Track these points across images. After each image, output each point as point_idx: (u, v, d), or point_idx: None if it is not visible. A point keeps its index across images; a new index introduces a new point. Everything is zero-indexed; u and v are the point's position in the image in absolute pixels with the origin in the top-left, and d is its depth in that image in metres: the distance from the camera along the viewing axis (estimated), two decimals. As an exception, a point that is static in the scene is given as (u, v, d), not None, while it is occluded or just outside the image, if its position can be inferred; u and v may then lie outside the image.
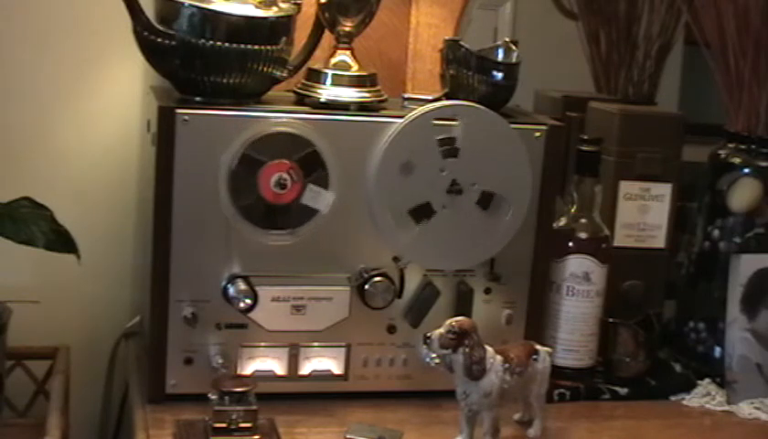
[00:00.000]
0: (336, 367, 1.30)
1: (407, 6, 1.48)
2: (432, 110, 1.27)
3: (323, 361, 1.30)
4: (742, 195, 1.46)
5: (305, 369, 1.29)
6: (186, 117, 1.21)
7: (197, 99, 1.24)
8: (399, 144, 1.26)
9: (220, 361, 1.25)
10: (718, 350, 1.47)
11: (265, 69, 1.24)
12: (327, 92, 1.29)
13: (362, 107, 1.29)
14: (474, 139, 1.27)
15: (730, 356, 1.43)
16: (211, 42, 1.21)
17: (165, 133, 1.21)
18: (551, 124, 1.34)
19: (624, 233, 1.46)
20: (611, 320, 1.42)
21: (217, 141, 1.21)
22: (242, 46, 1.21)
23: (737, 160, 1.48)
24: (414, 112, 1.27)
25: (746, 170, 1.47)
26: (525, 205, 1.31)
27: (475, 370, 1.16)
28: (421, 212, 1.28)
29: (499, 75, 1.31)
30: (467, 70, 1.31)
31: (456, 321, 1.16)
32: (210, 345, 1.26)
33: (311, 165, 1.24)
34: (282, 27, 1.25)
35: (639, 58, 1.65)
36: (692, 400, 1.41)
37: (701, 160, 1.52)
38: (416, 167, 1.26)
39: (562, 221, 1.40)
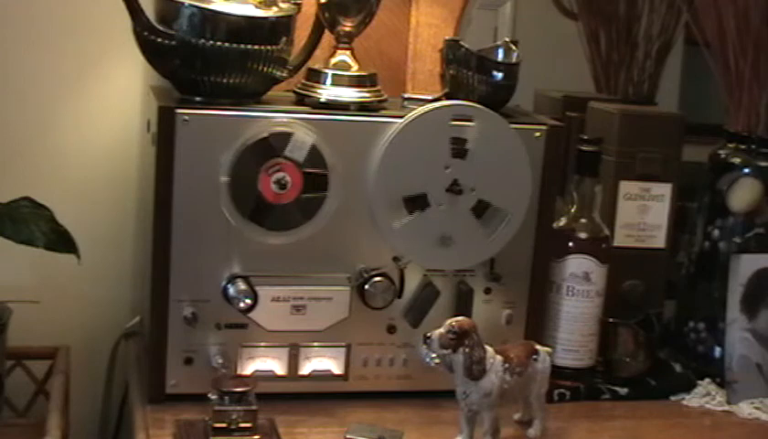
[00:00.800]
0: (336, 367, 1.30)
1: (407, 6, 1.48)
2: (432, 110, 1.27)
3: (323, 361, 1.30)
4: (742, 195, 1.46)
5: (305, 369, 1.30)
6: (186, 117, 1.21)
7: (197, 99, 1.24)
8: (399, 144, 1.26)
9: (220, 361, 1.25)
10: (718, 350, 1.47)
11: (265, 69, 1.24)
12: (327, 92, 1.29)
13: (362, 107, 1.29)
14: (485, 145, 1.28)
15: (730, 356, 1.43)
16: (211, 42, 1.21)
17: (165, 133, 1.21)
18: (551, 124, 1.34)
19: (624, 233, 1.46)
20: (611, 320, 1.42)
21: (217, 141, 1.21)
22: (242, 46, 1.21)
23: (737, 160, 1.48)
24: (414, 112, 1.27)
25: (746, 170, 1.47)
26: (519, 218, 1.31)
27: (475, 370, 1.16)
28: (416, 203, 1.28)
29: (499, 75, 1.31)
30: (467, 70, 1.31)
31: (456, 321, 1.16)
32: (210, 345, 1.26)
33: (311, 166, 1.24)
34: (282, 27, 1.25)
35: (639, 58, 1.65)
36: (692, 400, 1.41)
37: (701, 160, 1.52)
38: (416, 169, 1.26)
39: (562, 221, 1.40)
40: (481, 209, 1.29)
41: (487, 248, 1.31)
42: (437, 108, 1.28)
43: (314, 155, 1.24)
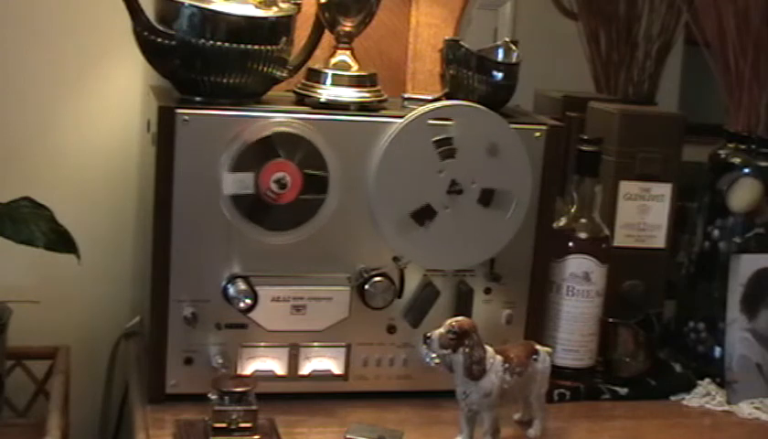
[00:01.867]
0: (336, 367, 1.30)
1: (407, 6, 1.48)
2: (431, 110, 1.27)
3: (323, 361, 1.30)
4: (742, 195, 1.46)
5: (305, 369, 1.30)
6: (186, 117, 1.21)
7: (197, 99, 1.24)
8: (399, 144, 1.26)
9: (220, 361, 1.25)
10: (718, 350, 1.47)
11: (265, 69, 1.24)
12: (327, 92, 1.29)
13: (362, 107, 1.29)
14: (470, 138, 1.28)
15: (730, 356, 1.43)
16: (211, 42, 1.21)
17: (165, 133, 1.21)
18: (551, 124, 1.34)
19: (624, 233, 1.46)
20: (611, 320, 1.42)
21: (217, 141, 1.21)
22: (242, 46, 1.21)
23: (737, 160, 1.48)
24: (414, 112, 1.27)
25: (746, 170, 1.47)
26: (526, 199, 1.31)
27: (475, 370, 1.16)
28: (424, 214, 1.28)
29: (499, 75, 1.31)
30: (467, 70, 1.31)
31: (456, 321, 1.16)
32: (210, 345, 1.26)
33: (311, 166, 1.24)
34: (282, 27, 1.25)
35: (639, 58, 1.65)
36: (692, 400, 1.41)
37: (701, 160, 1.52)
38: (415, 170, 1.26)
39: (562, 221, 1.40)
40: (487, 198, 1.29)
41: (500, 237, 1.31)
42: (446, 106, 1.28)
43: (314, 156, 1.24)
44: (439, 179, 1.27)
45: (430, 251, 1.30)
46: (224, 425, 1.14)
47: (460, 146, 1.27)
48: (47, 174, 1.50)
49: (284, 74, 1.29)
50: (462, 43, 1.32)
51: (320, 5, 1.31)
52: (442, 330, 1.16)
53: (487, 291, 1.34)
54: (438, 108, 1.28)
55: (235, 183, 1.21)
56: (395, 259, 1.29)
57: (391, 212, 1.27)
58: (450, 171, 1.28)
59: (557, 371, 1.33)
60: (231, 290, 1.24)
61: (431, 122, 1.27)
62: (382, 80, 1.33)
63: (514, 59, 1.33)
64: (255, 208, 1.23)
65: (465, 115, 1.28)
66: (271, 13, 1.24)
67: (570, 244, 1.38)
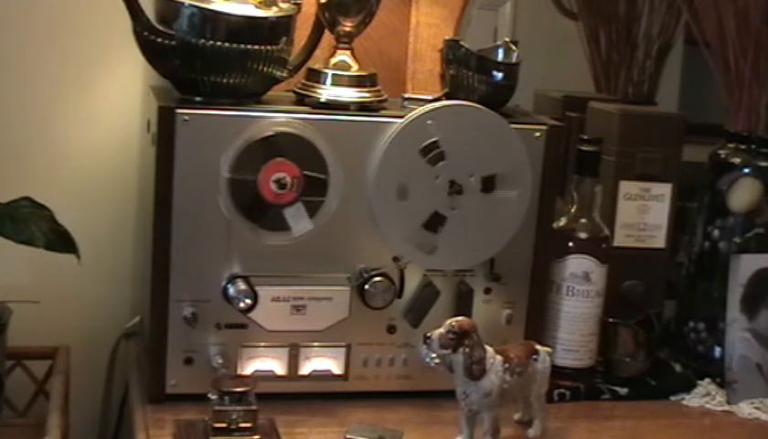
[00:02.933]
0: (335, 367, 1.30)
1: (407, 6, 1.48)
2: (431, 110, 1.27)
3: (323, 361, 1.30)
4: (742, 195, 1.46)
5: (305, 369, 1.29)
6: (186, 117, 1.21)
7: (197, 99, 1.24)
8: (399, 144, 1.26)
9: (220, 361, 1.25)
10: (718, 350, 1.47)
11: (265, 69, 1.24)
12: (327, 92, 1.29)
13: (362, 107, 1.29)
14: (453, 134, 1.27)
15: (730, 356, 1.43)
16: (211, 42, 1.21)
17: (165, 133, 1.21)
18: (551, 124, 1.34)
19: (624, 233, 1.46)
20: (611, 320, 1.42)
21: (217, 141, 1.21)
22: (242, 46, 1.21)
23: (737, 160, 1.48)
24: (414, 112, 1.27)
25: (746, 170, 1.47)
26: (528, 182, 1.31)
27: (475, 370, 1.16)
28: (434, 222, 1.28)
29: (499, 75, 1.31)
30: (467, 70, 1.31)
31: (456, 321, 1.16)
32: (210, 345, 1.26)
33: (311, 166, 1.24)
34: (282, 27, 1.25)
35: (639, 58, 1.65)
36: (692, 400, 1.41)
37: (701, 160, 1.52)
38: (412, 186, 1.27)
39: (562, 221, 1.40)
40: (489, 184, 1.29)
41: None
42: (446, 106, 1.28)
43: (314, 156, 1.24)
44: (437, 185, 1.27)
45: (457, 250, 1.30)
46: (224, 425, 1.14)
47: (447, 146, 1.27)
48: (47, 174, 1.50)
49: (284, 74, 1.29)
50: (462, 43, 1.32)
51: (320, 5, 1.31)
52: (442, 330, 1.16)
53: (487, 291, 1.34)
54: (438, 108, 1.28)
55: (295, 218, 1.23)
56: (395, 259, 1.29)
57: (407, 232, 1.27)
58: (446, 173, 1.28)
59: (557, 371, 1.33)
60: (231, 290, 1.24)
61: (411, 133, 1.27)
62: (382, 80, 1.33)
63: (514, 59, 1.33)
64: (255, 209, 1.23)
65: (465, 115, 1.28)
66: (271, 13, 1.24)
67: (570, 244, 1.38)
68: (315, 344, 1.29)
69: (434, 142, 1.27)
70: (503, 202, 1.29)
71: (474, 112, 1.28)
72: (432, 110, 1.27)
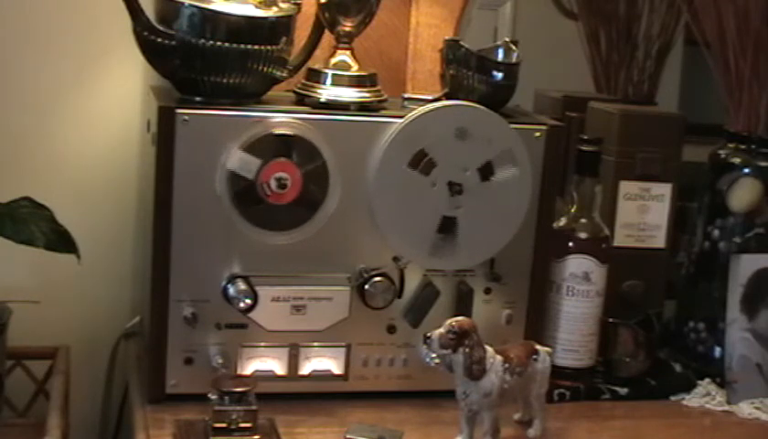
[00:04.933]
0: (335, 367, 1.30)
1: (407, 6, 1.48)
2: (431, 110, 1.27)
3: (323, 361, 1.30)
4: (742, 195, 1.46)
5: (305, 369, 1.30)
6: (186, 117, 1.21)
7: (197, 99, 1.24)
8: (399, 144, 1.26)
9: (220, 361, 1.25)
10: (718, 350, 1.47)
11: (265, 69, 1.24)
12: (327, 92, 1.29)
13: (362, 107, 1.29)
14: (436, 137, 1.27)
15: (730, 356, 1.43)
16: (211, 42, 1.21)
17: (165, 133, 1.21)
18: (551, 124, 1.34)
19: (624, 233, 1.46)
20: (611, 320, 1.42)
21: (217, 141, 1.21)
22: (242, 46, 1.21)
23: (737, 160, 1.48)
24: (414, 112, 1.27)
25: (746, 170, 1.47)
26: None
27: (475, 370, 1.16)
28: (447, 227, 1.28)
29: (499, 75, 1.32)
30: (467, 70, 1.31)
31: (456, 321, 1.16)
32: (210, 345, 1.26)
33: (311, 166, 1.24)
34: (282, 27, 1.25)
35: (639, 58, 1.65)
36: (692, 400, 1.41)
37: (701, 160, 1.52)
38: (412, 198, 1.27)
39: (562, 221, 1.40)
40: (487, 171, 1.29)
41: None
42: (446, 106, 1.28)
43: (314, 155, 1.24)
44: (436, 191, 1.27)
45: (476, 241, 1.30)
46: (224, 425, 1.14)
47: (433, 151, 1.27)
48: (47, 174, 1.50)
49: (284, 74, 1.29)
50: (462, 43, 1.32)
51: (320, 5, 1.31)
52: (442, 330, 1.16)
53: (487, 291, 1.34)
54: (438, 108, 1.28)
55: (240, 161, 1.21)
56: (395, 259, 1.29)
57: (424, 240, 1.28)
58: (441, 177, 1.27)
59: (557, 371, 1.33)
60: (231, 290, 1.24)
61: (396, 147, 1.26)
62: (382, 80, 1.33)
63: (514, 59, 1.33)
64: (255, 209, 1.23)
65: (465, 115, 1.28)
66: (271, 13, 1.24)
67: (570, 244, 1.38)
68: (315, 344, 1.29)
69: (420, 150, 1.26)
70: (506, 183, 1.29)
71: (474, 112, 1.28)
72: (432, 110, 1.27)
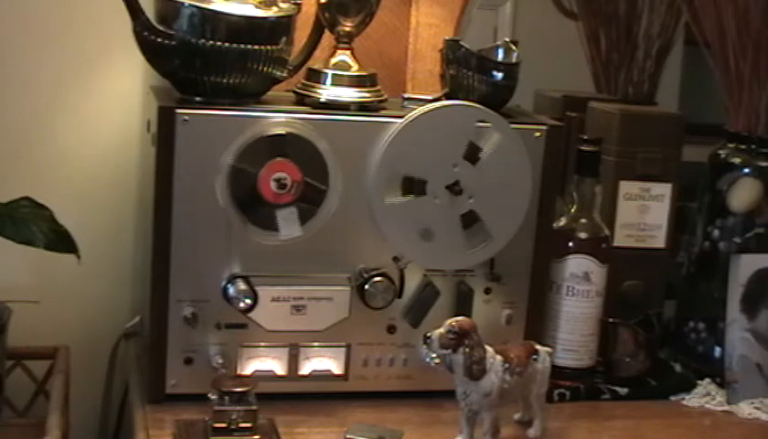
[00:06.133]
0: (335, 367, 1.30)
1: (407, 6, 1.48)
2: (431, 110, 1.27)
3: (323, 361, 1.30)
4: (742, 195, 1.46)
5: (305, 369, 1.30)
6: (186, 117, 1.21)
7: (197, 99, 1.24)
8: (398, 144, 1.26)
9: (220, 361, 1.25)
10: (718, 350, 1.47)
11: (265, 69, 1.24)
12: (327, 92, 1.29)
13: (362, 107, 1.29)
14: (496, 161, 1.28)
15: (730, 356, 1.43)
16: (211, 42, 1.21)
17: (165, 133, 1.21)
18: (551, 124, 1.34)
19: (624, 233, 1.46)
20: (611, 320, 1.42)
21: (217, 141, 1.21)
22: (242, 46, 1.21)
23: (737, 160, 1.48)
24: (414, 112, 1.27)
25: (746, 170, 1.47)
26: (505, 240, 1.31)
27: (475, 370, 1.16)
28: (414, 186, 1.27)
29: (499, 75, 1.32)
30: (467, 70, 1.31)
31: (456, 321, 1.16)
32: (210, 345, 1.26)
33: (311, 165, 1.24)
34: (282, 27, 1.25)
35: (639, 58, 1.65)
36: (692, 400, 1.41)
37: (701, 160, 1.52)
38: (425, 154, 1.26)
39: (562, 221, 1.40)
40: (470, 221, 1.29)
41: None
42: (446, 106, 1.28)
43: (314, 156, 1.24)
44: (449, 171, 1.27)
45: (401, 226, 1.28)
46: (224, 425, 1.14)
47: (484, 160, 1.27)
48: (47, 174, 1.50)
49: (284, 74, 1.29)
50: (462, 43, 1.32)
51: (320, 5, 1.31)
52: (442, 330, 1.16)
53: (487, 291, 1.34)
54: (438, 108, 1.28)
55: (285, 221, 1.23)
56: (395, 259, 1.29)
57: (387, 173, 1.26)
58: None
59: (557, 371, 1.33)
60: (231, 290, 1.24)
61: (478, 124, 1.27)
62: (382, 80, 1.33)
63: (514, 59, 1.33)
64: (255, 209, 1.23)
65: (466, 115, 1.28)
66: (271, 13, 1.24)
67: (570, 244, 1.38)
68: (315, 344, 1.29)
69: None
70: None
71: (474, 112, 1.28)
72: (432, 110, 1.27)
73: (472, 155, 1.28)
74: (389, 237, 1.28)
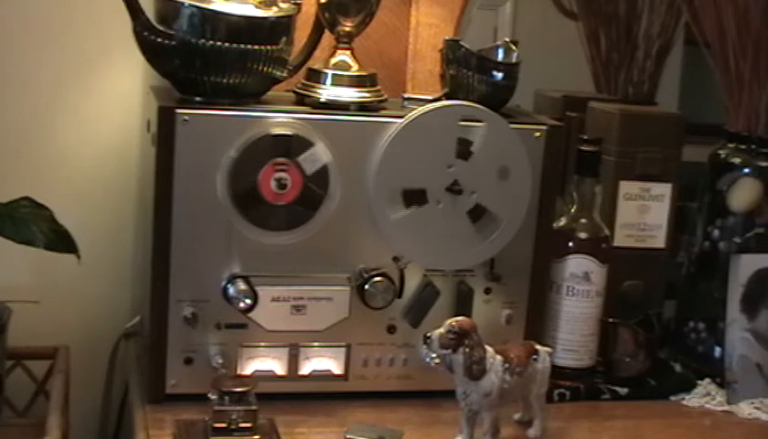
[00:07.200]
0: (335, 367, 1.30)
1: (407, 6, 1.48)
2: (431, 110, 1.27)
3: (323, 361, 1.30)
4: (742, 195, 1.46)
5: (305, 369, 1.30)
6: (186, 117, 1.21)
7: (197, 99, 1.24)
8: (399, 144, 1.26)
9: (220, 361, 1.25)
10: (718, 350, 1.47)
11: (265, 69, 1.24)
12: (327, 92, 1.29)
13: (362, 107, 1.29)
14: (489, 149, 1.28)
15: (730, 356, 1.43)
16: (211, 42, 1.21)
17: (165, 133, 1.21)
18: (551, 124, 1.34)
19: (624, 233, 1.46)
20: (611, 320, 1.42)
21: (217, 141, 1.21)
22: (242, 46, 1.21)
23: (737, 160, 1.48)
24: (414, 112, 1.27)
25: (746, 170, 1.47)
26: (516, 225, 1.31)
27: (475, 370, 1.16)
28: (414, 197, 1.27)
29: (499, 75, 1.32)
30: (467, 70, 1.31)
31: (456, 321, 1.16)
32: (210, 345, 1.26)
33: (311, 166, 1.24)
34: (282, 27, 1.25)
35: (639, 58, 1.65)
36: (692, 400, 1.41)
37: (701, 160, 1.52)
38: (422, 158, 1.26)
39: (562, 221, 1.40)
40: (478, 214, 1.29)
41: (485, 250, 1.31)
42: (446, 106, 1.28)
43: (315, 155, 1.24)
44: (444, 173, 1.27)
45: (410, 238, 1.28)
46: (224, 425, 1.14)
47: (477, 154, 1.27)
48: (47, 174, 1.50)
49: (284, 74, 1.29)
50: (462, 43, 1.32)
51: (320, 5, 1.31)
52: (442, 330, 1.16)
53: (487, 291, 1.34)
54: (438, 108, 1.28)
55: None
56: (395, 259, 1.29)
57: (386, 189, 1.27)
58: (457, 171, 1.27)
59: (557, 371, 1.33)
60: (231, 290, 1.24)
61: (461, 123, 1.27)
62: (382, 80, 1.33)
63: (514, 59, 1.33)
64: (255, 209, 1.23)
65: (466, 115, 1.28)
66: (271, 13, 1.24)
67: (570, 244, 1.38)
68: (315, 344, 1.29)
69: (470, 142, 1.27)
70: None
71: (474, 113, 1.28)
72: (432, 110, 1.27)
73: (463, 151, 1.28)
74: (400, 251, 1.28)
